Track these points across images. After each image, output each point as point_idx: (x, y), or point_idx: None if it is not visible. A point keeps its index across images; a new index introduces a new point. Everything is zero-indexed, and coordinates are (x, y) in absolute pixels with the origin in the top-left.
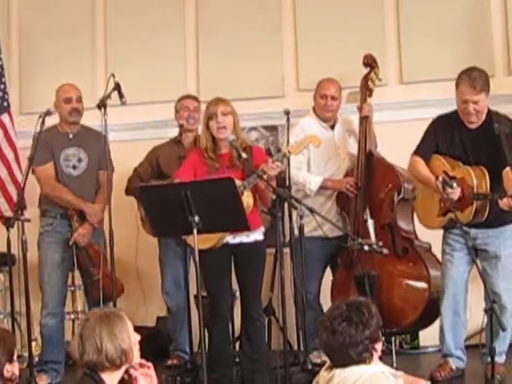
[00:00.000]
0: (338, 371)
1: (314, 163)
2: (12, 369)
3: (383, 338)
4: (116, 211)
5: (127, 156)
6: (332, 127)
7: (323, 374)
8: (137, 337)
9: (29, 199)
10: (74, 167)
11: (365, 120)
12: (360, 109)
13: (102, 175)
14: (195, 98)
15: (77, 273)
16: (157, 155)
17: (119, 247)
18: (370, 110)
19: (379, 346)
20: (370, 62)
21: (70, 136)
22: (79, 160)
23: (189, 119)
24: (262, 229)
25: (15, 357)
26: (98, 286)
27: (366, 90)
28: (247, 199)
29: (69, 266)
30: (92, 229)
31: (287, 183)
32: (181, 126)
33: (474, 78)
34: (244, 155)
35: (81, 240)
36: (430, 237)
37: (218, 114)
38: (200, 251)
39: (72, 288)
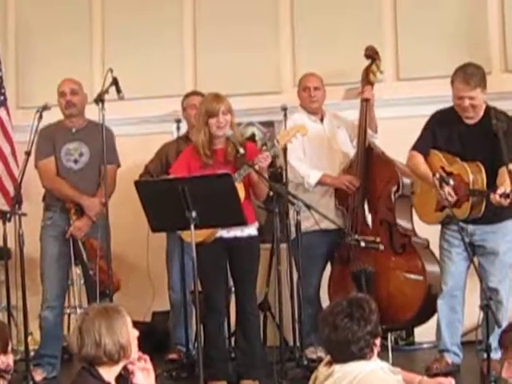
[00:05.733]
0: (337, 367)
1: (308, 155)
2: (7, 360)
3: None
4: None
5: (125, 150)
6: (321, 120)
7: (322, 370)
8: (135, 333)
9: (26, 194)
10: (76, 161)
11: (366, 103)
12: (361, 92)
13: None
14: (201, 94)
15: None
16: (166, 152)
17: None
18: (371, 94)
19: (378, 342)
20: (372, 54)
21: (73, 130)
22: (81, 154)
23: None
24: (256, 224)
25: (10, 348)
26: (93, 280)
27: (366, 82)
28: (239, 192)
29: (69, 259)
30: (90, 222)
31: (284, 179)
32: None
33: (468, 74)
34: (242, 150)
35: (77, 233)
36: (429, 232)
37: (219, 114)
38: (195, 246)
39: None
